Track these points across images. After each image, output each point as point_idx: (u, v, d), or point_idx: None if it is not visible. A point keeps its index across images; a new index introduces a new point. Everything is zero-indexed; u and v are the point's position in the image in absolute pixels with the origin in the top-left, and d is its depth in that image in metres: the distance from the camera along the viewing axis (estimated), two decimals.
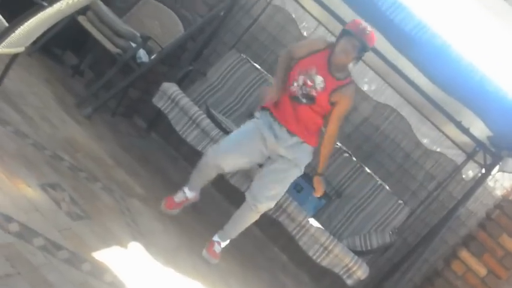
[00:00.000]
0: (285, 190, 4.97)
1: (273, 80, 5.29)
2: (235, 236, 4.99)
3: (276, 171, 4.88)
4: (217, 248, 4.87)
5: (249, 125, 5.04)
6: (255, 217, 4.92)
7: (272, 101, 4.90)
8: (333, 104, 4.82)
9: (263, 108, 4.99)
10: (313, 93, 4.77)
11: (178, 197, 5.04)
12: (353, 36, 4.72)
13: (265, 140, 4.88)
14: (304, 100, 4.81)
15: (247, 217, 4.93)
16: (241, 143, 4.94)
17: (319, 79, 4.77)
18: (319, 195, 5.16)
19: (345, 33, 4.78)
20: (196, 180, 5.10)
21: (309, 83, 4.77)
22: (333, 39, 6.05)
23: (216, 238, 4.92)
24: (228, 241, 4.97)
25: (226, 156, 4.91)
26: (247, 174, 5.30)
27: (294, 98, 4.84)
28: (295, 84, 4.81)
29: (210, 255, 4.83)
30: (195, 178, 5.11)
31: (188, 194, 5.06)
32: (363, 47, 4.75)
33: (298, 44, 5.35)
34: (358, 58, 4.83)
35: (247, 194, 4.92)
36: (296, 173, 4.97)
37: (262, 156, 4.98)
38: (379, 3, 5.81)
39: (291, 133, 4.87)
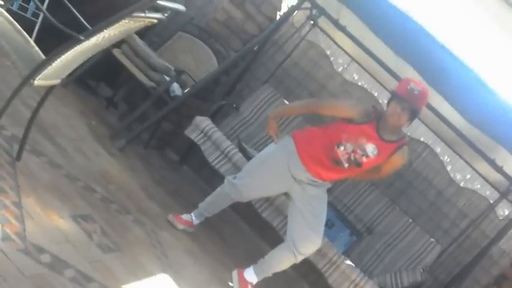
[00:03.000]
0: (323, 228, 4.87)
1: (288, 105, 5.30)
2: (269, 275, 4.91)
3: (307, 217, 4.78)
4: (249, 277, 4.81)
5: (267, 155, 5.03)
6: (295, 261, 4.84)
7: (274, 117, 5.03)
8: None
9: (288, 136, 4.97)
10: (363, 160, 4.71)
11: (185, 217, 5.10)
12: (401, 100, 4.58)
13: (286, 172, 4.86)
14: (346, 165, 4.74)
15: (286, 259, 4.84)
16: (260, 177, 4.96)
17: (371, 147, 4.67)
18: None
19: (394, 95, 4.66)
20: (207, 210, 5.17)
21: (359, 152, 4.68)
22: (365, 75, 6.08)
23: (250, 271, 4.86)
24: (260, 278, 4.87)
25: (245, 190, 5.00)
26: (279, 209, 5.30)
27: (335, 160, 4.75)
28: (342, 148, 4.69)
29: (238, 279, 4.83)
30: (206, 208, 5.17)
31: (195, 221, 5.14)
32: (413, 109, 4.59)
33: (338, 104, 5.25)
34: (411, 120, 4.68)
35: (287, 238, 4.83)
36: (324, 206, 4.90)
37: (283, 188, 4.99)
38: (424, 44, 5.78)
39: (313, 177, 4.85)
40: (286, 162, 4.84)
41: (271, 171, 4.91)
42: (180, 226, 5.03)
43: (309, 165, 4.79)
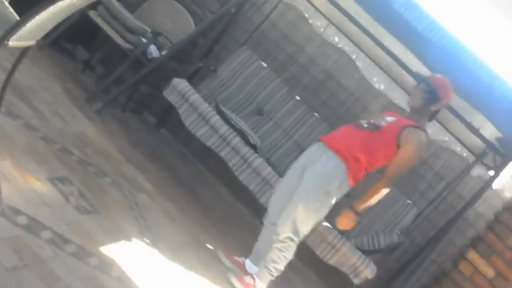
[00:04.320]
0: (307, 213, 4.49)
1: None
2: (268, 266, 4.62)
3: (298, 190, 4.51)
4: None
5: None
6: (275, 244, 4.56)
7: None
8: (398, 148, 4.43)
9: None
10: (381, 123, 4.54)
11: (238, 258, 4.85)
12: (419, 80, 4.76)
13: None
14: (366, 125, 4.54)
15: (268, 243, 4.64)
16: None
17: (390, 117, 4.64)
18: (339, 227, 4.65)
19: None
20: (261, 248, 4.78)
21: (379, 119, 4.62)
22: (342, 37, 6.08)
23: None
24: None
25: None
26: (257, 172, 5.31)
27: (356, 124, 4.61)
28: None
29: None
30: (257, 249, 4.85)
31: (248, 267, 4.78)
32: (429, 91, 4.55)
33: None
34: (428, 101, 4.58)
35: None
36: (318, 193, 4.48)
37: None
38: (392, 1, 5.80)
39: (326, 146, 4.52)
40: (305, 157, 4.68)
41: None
42: (227, 262, 4.78)
43: (328, 141, 4.58)
